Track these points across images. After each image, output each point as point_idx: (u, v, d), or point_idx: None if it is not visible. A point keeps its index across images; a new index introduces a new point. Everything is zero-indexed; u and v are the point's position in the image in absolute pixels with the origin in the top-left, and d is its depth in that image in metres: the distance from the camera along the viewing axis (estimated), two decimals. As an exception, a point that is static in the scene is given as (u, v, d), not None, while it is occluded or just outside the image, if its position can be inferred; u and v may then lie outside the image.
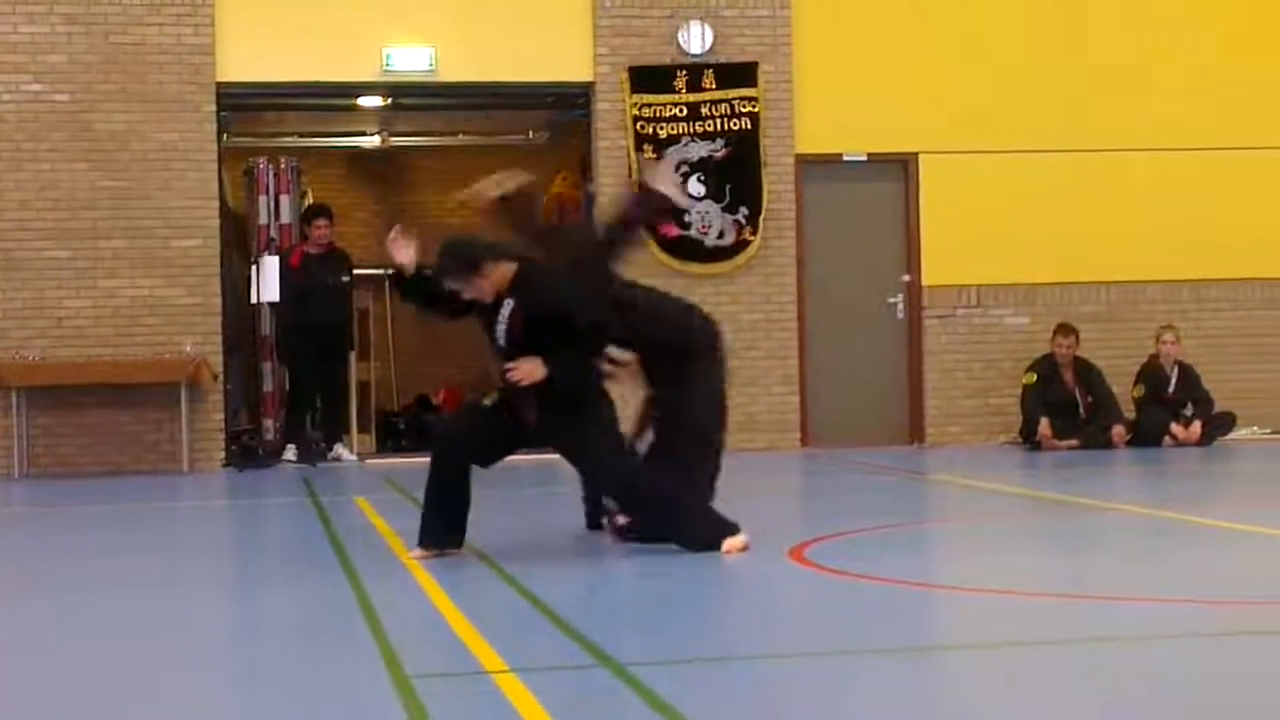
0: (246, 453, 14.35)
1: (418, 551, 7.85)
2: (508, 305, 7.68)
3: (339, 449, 14.56)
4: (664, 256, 14.64)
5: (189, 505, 12.03)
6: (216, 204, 14.27)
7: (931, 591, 7.07)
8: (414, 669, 5.30)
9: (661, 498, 7.87)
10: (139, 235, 13.99)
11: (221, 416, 14.23)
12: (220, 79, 14.18)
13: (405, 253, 7.83)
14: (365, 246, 18.27)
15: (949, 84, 15.09)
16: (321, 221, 14.71)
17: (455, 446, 7.91)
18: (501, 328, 7.69)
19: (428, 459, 8.00)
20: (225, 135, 15.12)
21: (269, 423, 15.24)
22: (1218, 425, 14.60)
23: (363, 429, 15.54)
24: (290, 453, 14.40)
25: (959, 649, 5.87)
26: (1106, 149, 15.28)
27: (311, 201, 15.98)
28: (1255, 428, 15.15)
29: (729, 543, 7.77)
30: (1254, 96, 15.47)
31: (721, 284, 14.77)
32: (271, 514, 11.43)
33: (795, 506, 11.46)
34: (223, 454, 14.14)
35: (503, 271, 7.67)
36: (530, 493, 11.71)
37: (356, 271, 15.02)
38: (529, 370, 7.57)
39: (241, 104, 15.13)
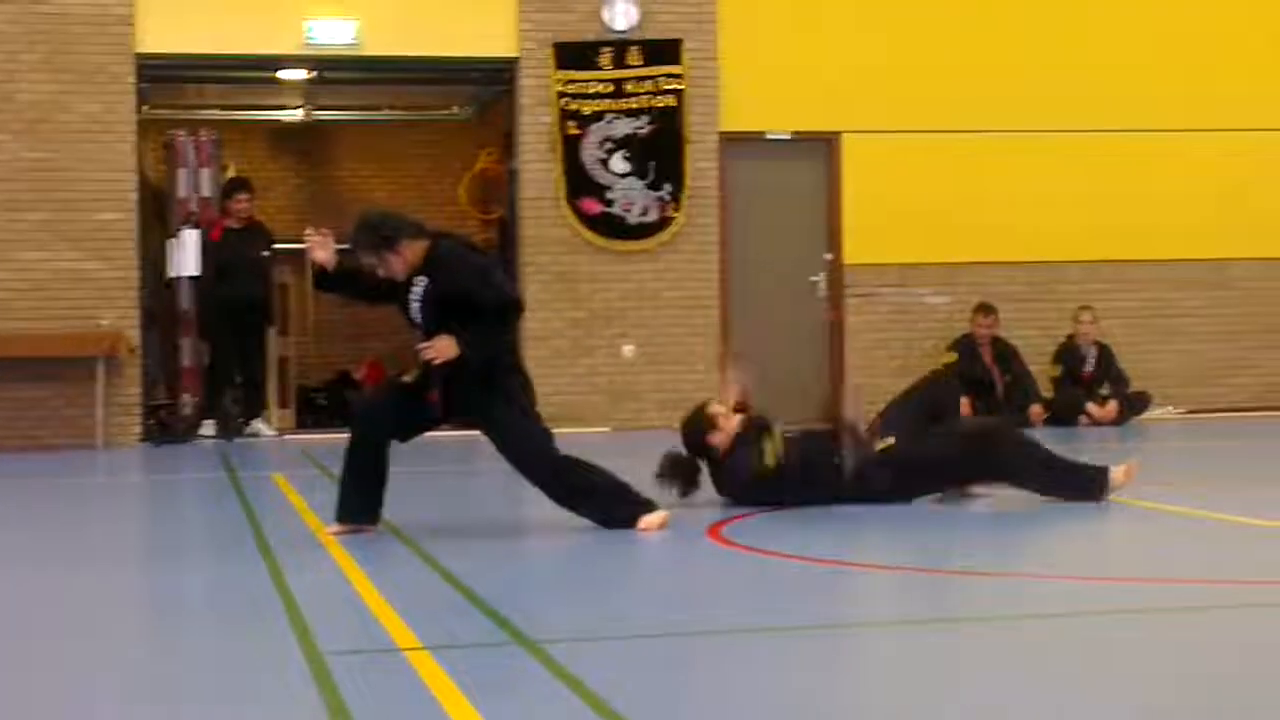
0: (164, 427, 14.26)
1: (334, 527, 7.82)
2: (421, 282, 7.65)
3: (258, 424, 14.49)
4: (588, 234, 14.65)
5: (104, 481, 11.93)
6: (135, 176, 14.15)
7: (847, 570, 7.11)
8: (327, 646, 5.28)
9: (577, 474, 7.86)
10: (60, 208, 13.86)
11: (138, 391, 14.13)
12: (140, 50, 14.06)
13: (324, 252, 7.80)
14: (287, 221, 18.15)
15: (872, 63, 15.15)
16: (242, 195, 14.62)
17: (375, 422, 7.88)
18: (415, 305, 7.67)
19: (347, 435, 7.97)
20: (145, 107, 14.98)
21: (187, 397, 15.12)
22: (1133, 405, 14.76)
23: (282, 404, 15.47)
24: (208, 428, 14.31)
25: (873, 626, 5.91)
26: (1027, 130, 15.39)
27: (233, 175, 15.86)
28: (1170, 407, 15.33)
29: (646, 520, 7.78)
30: (1174, 81, 15.61)
31: (644, 261, 14.79)
32: (188, 489, 11.36)
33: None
34: (139, 429, 14.03)
35: (415, 249, 7.64)
36: (449, 470, 11.68)
37: (278, 246, 14.93)
38: (443, 348, 7.55)
39: (162, 75, 14.99)
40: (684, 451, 8.82)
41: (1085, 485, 8.51)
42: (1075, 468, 8.67)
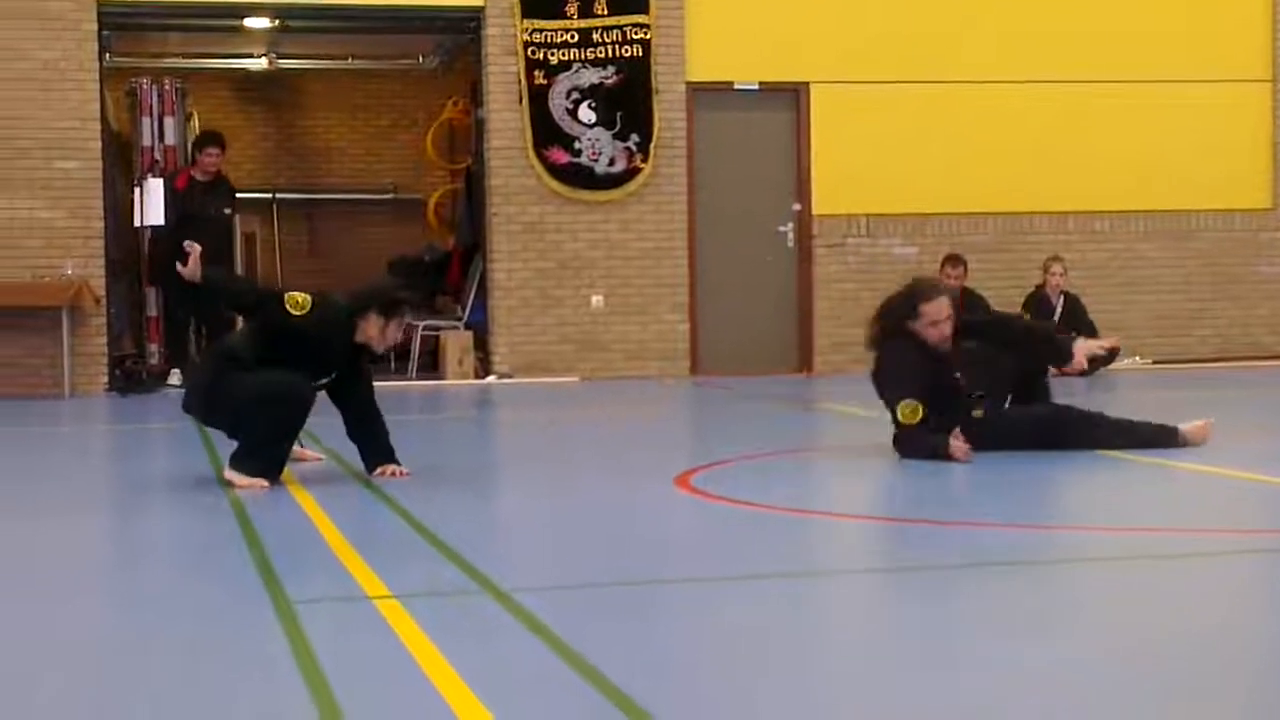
0: (130, 377, 14.18)
1: (263, 482, 7.73)
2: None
3: (224, 374, 14.37)
4: (554, 184, 14.60)
5: (70, 430, 11.87)
6: (98, 125, 14.02)
7: (814, 518, 7.12)
8: (296, 594, 5.26)
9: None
10: (18, 155, 13.72)
11: (104, 340, 14.04)
12: (101, -3, 13.93)
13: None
14: (251, 170, 18.06)
15: (840, 13, 15.10)
16: (213, 150, 14.48)
17: (306, 400, 7.90)
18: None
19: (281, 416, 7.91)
20: (108, 55, 14.85)
21: (153, 347, 15.06)
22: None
23: (249, 355, 15.34)
24: (175, 378, 14.23)
25: (840, 574, 5.91)
26: (994, 80, 15.37)
27: (197, 124, 15.75)
28: (1138, 358, 15.38)
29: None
30: (1138, 30, 15.59)
31: (612, 211, 14.75)
32: (154, 439, 11.30)
33: (683, 434, 11.49)
34: (105, 379, 13.96)
35: None
36: (416, 420, 11.65)
37: (241, 195, 14.83)
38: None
39: (124, 23, 14.86)
40: None
41: (1152, 438, 8.70)
42: (1138, 428, 8.80)
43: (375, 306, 7.86)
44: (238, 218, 15.24)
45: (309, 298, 7.79)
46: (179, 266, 8.06)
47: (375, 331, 7.87)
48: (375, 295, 7.96)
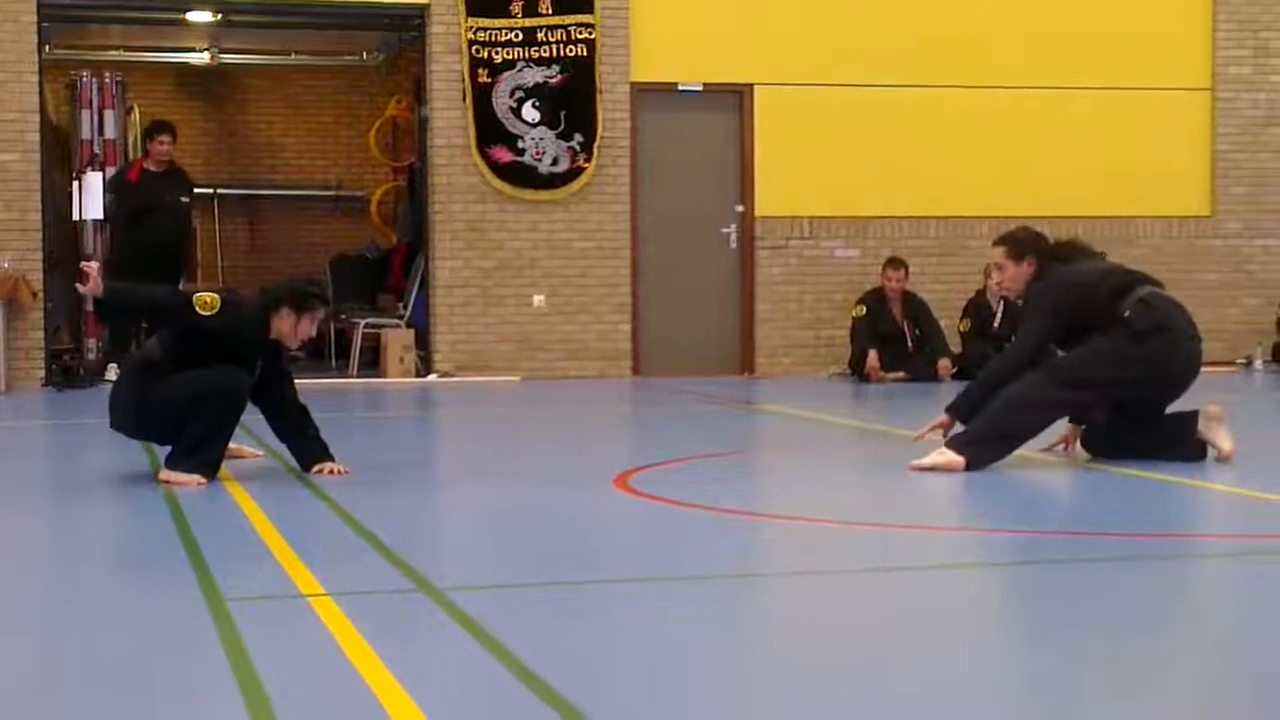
0: (67, 372, 14.07)
1: (198, 478, 7.69)
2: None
3: (164, 370, 14.29)
4: (498, 183, 14.58)
5: (5, 425, 11.75)
6: (37, 117, 13.91)
7: (753, 520, 7.12)
8: (230, 592, 5.23)
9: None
10: (-44, 148, 13.63)
11: (41, 335, 13.93)
12: (43, -11, 13.82)
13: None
14: (193, 166, 17.94)
15: (785, 16, 15.14)
16: (164, 138, 14.38)
17: (243, 398, 7.90)
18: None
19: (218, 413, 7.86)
20: (47, 47, 14.73)
21: (91, 342, 14.95)
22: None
23: (189, 350, 15.26)
24: (113, 373, 14.11)
25: (778, 576, 5.92)
26: (939, 85, 15.44)
27: (138, 117, 15.65)
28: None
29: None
30: (1078, 38, 15.69)
31: (555, 211, 14.74)
32: (90, 435, 11.18)
33: (623, 434, 11.49)
34: (43, 373, 13.85)
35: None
36: (356, 418, 11.60)
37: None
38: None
39: (64, 15, 14.76)
40: None
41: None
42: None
43: (287, 302, 7.87)
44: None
45: (218, 297, 7.74)
46: (79, 287, 7.97)
47: (287, 327, 7.88)
48: (286, 291, 7.98)
